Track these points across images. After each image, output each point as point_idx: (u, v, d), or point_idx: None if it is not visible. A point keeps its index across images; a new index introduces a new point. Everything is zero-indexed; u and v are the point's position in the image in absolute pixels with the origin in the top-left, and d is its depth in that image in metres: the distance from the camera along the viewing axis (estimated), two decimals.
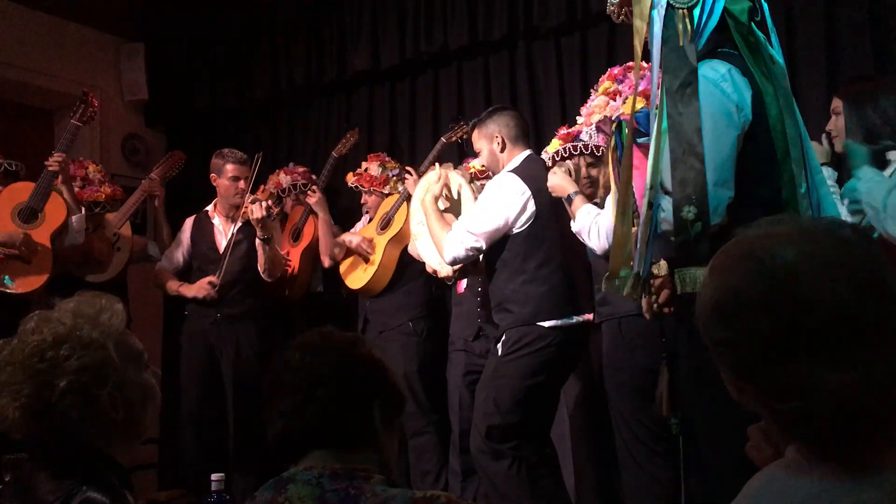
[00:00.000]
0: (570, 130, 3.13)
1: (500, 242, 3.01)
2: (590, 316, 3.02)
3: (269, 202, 3.90)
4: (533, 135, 3.76)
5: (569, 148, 3.08)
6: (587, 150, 3.05)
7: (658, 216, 1.78)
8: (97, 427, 1.41)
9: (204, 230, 4.14)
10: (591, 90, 2.95)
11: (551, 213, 2.98)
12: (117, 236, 4.07)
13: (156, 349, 4.93)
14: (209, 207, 4.21)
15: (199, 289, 3.98)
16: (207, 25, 5.32)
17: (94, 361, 1.41)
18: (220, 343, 3.96)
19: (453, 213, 3.35)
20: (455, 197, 3.41)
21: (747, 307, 0.95)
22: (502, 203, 2.97)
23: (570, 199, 2.84)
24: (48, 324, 1.43)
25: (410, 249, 3.74)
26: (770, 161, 1.80)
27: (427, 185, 3.40)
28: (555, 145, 3.15)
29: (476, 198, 3.33)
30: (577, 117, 3.02)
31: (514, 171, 3.05)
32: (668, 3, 1.84)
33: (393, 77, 4.76)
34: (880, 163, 2.23)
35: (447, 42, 4.38)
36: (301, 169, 4.44)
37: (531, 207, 2.96)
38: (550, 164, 3.09)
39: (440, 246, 3.09)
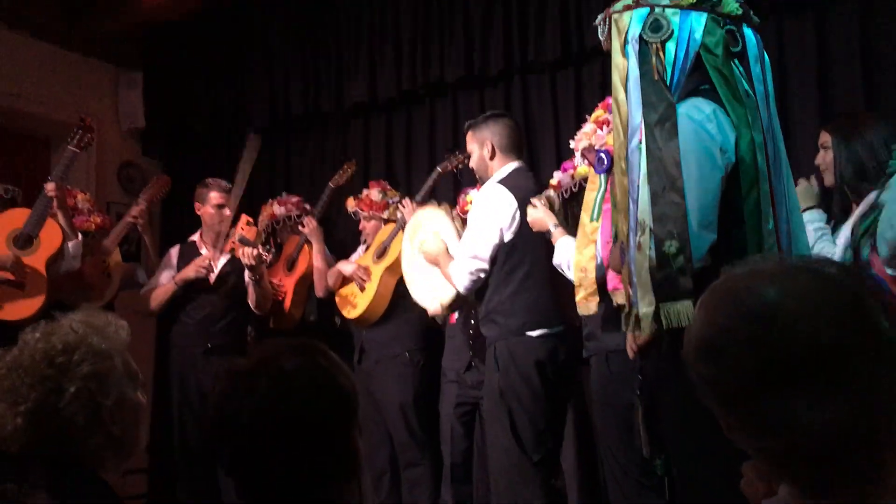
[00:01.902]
0: (559, 180, 3.17)
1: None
2: (578, 323, 3.03)
3: (260, 248, 3.88)
4: (526, 166, 3.79)
5: (570, 188, 3.10)
6: None
7: (644, 252, 1.78)
8: (97, 437, 1.42)
9: (191, 260, 4.13)
10: (586, 116, 2.99)
11: None
12: (108, 263, 4.07)
13: (146, 376, 4.88)
14: (195, 237, 4.21)
15: (195, 267, 3.99)
16: (205, 55, 5.36)
17: (102, 370, 1.44)
18: (209, 375, 3.91)
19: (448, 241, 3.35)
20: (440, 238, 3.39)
21: (732, 344, 0.96)
22: (493, 216, 3.00)
23: (549, 233, 2.85)
24: (55, 332, 1.45)
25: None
26: (738, 195, 1.80)
27: (418, 225, 3.42)
28: (584, 171, 3.12)
29: (457, 232, 3.33)
30: (570, 141, 3.06)
31: (502, 182, 3.06)
32: (640, 37, 1.84)
33: (389, 108, 4.79)
34: None
35: (443, 75, 4.43)
36: (294, 199, 4.45)
37: (518, 219, 2.98)
38: (575, 189, 3.08)
39: (451, 281, 3.11)
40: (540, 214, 2.87)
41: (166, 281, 4.11)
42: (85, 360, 1.42)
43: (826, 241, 2.54)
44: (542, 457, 2.90)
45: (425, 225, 3.46)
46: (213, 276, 3.98)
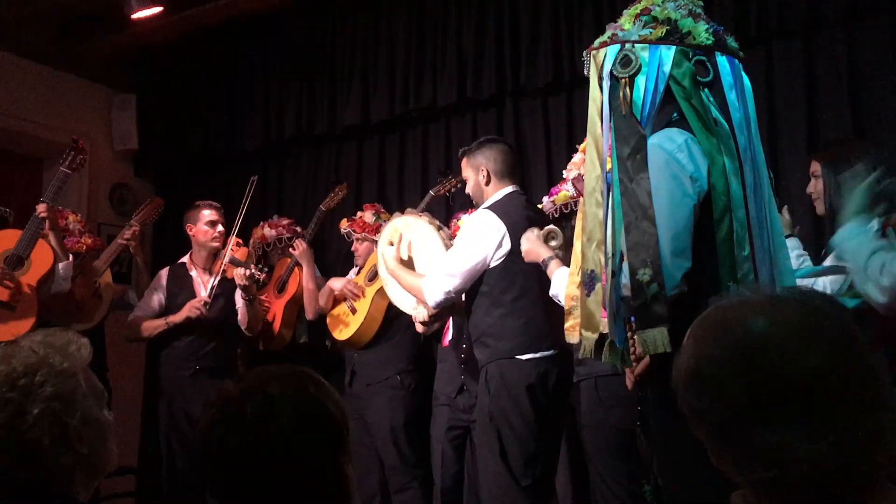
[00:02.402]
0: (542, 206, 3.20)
1: (478, 276, 3.03)
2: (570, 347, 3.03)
3: (253, 268, 3.88)
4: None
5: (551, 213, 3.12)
6: None
7: (619, 282, 1.80)
8: (65, 457, 1.41)
9: (182, 282, 4.12)
10: (575, 148, 3.01)
11: None
12: (98, 284, 4.06)
13: (136, 397, 4.86)
14: (185, 260, 4.20)
15: (191, 309, 3.93)
16: (199, 77, 5.39)
17: (65, 390, 1.42)
18: (197, 398, 3.86)
19: (423, 258, 3.35)
20: (408, 253, 3.39)
21: (721, 376, 0.97)
22: (478, 242, 3.00)
23: (545, 264, 2.84)
24: (16, 355, 1.45)
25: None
26: (710, 223, 1.83)
27: (394, 231, 3.43)
28: (564, 196, 3.18)
29: (444, 243, 3.34)
30: (564, 171, 3.08)
31: (491, 207, 3.07)
32: (611, 72, 1.89)
33: (382, 131, 4.82)
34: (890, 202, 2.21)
35: (436, 98, 4.46)
36: (285, 221, 4.46)
37: (507, 244, 2.97)
38: (556, 215, 3.12)
39: (420, 295, 3.10)
40: (532, 246, 2.87)
41: (156, 304, 4.11)
42: (47, 381, 1.41)
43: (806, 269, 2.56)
44: (531, 482, 2.89)
45: (404, 233, 3.44)
46: (205, 311, 3.94)
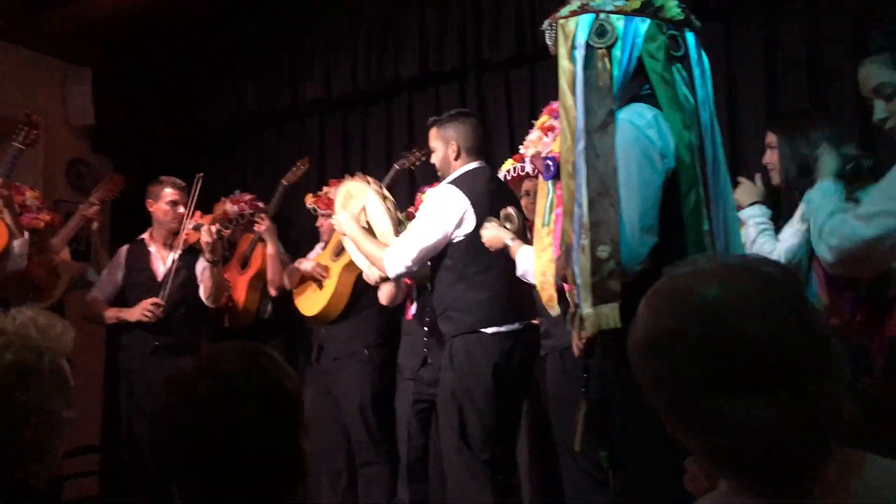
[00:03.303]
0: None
1: (442, 250, 3.04)
2: (536, 321, 3.05)
3: (218, 225, 3.85)
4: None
5: (517, 168, 3.14)
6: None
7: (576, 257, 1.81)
8: (5, 435, 1.37)
9: (140, 259, 4.06)
10: (532, 123, 3.01)
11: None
12: (56, 262, 3.98)
13: (98, 376, 4.80)
14: (144, 236, 4.14)
15: (142, 311, 3.85)
16: (157, 50, 5.27)
17: (24, 363, 1.39)
18: (159, 377, 3.83)
19: (371, 219, 3.35)
20: (364, 215, 3.38)
21: (675, 345, 0.98)
22: (440, 216, 3.00)
23: (507, 248, 2.85)
24: None
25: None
26: (677, 198, 1.83)
27: (347, 195, 3.41)
28: (508, 164, 3.19)
29: (391, 213, 3.34)
30: (520, 148, 3.08)
31: (454, 182, 3.07)
32: (587, 42, 1.85)
33: (345, 106, 4.78)
34: (857, 176, 2.26)
35: (398, 72, 4.43)
36: (248, 197, 4.41)
37: (470, 217, 2.99)
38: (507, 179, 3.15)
39: (380, 265, 3.10)
40: (493, 234, 2.88)
41: (116, 283, 4.05)
42: (10, 348, 1.38)
43: (767, 237, 2.59)
44: (490, 456, 2.92)
45: (356, 197, 3.44)
46: (159, 313, 3.86)
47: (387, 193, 3.41)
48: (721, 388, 0.95)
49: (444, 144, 3.17)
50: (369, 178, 3.44)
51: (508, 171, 3.23)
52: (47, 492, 1.42)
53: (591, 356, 1.87)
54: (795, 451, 0.95)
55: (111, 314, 3.98)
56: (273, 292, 4.14)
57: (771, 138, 2.69)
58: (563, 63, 1.90)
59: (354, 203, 3.41)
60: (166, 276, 3.94)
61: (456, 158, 3.15)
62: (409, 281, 3.70)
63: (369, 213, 3.36)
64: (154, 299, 3.87)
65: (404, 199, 4.23)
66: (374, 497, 3.77)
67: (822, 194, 2.03)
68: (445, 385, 3.01)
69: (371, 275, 3.47)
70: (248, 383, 1.21)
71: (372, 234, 3.27)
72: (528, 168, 3.06)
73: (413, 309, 3.75)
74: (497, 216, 2.95)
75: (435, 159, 3.24)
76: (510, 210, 2.95)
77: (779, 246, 2.52)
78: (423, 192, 3.79)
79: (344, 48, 4.60)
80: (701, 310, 0.97)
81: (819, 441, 0.96)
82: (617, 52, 1.84)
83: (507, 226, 2.89)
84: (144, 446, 3.86)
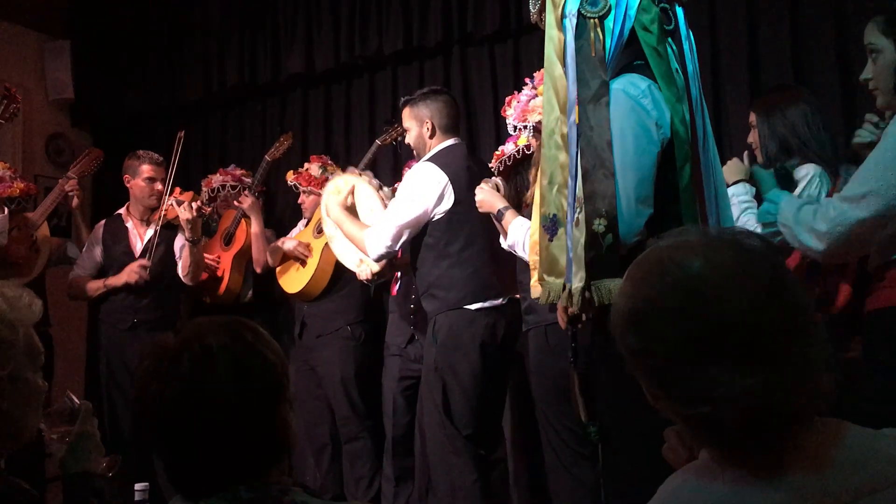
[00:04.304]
0: (503, 149, 3.19)
1: (423, 229, 3.03)
2: (517, 296, 3.05)
3: (200, 202, 3.82)
4: (466, 139, 3.79)
5: (513, 155, 3.11)
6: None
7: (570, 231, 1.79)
8: None
9: (118, 235, 4.03)
10: (525, 82, 2.98)
11: (471, 197, 2.96)
12: (35, 237, 3.94)
13: (80, 353, 4.78)
14: (121, 211, 4.10)
15: (130, 273, 3.84)
16: (137, 23, 5.21)
17: (2, 338, 1.39)
18: (136, 352, 3.79)
19: (358, 212, 3.33)
20: (351, 200, 3.36)
21: (658, 315, 0.99)
22: (420, 193, 3.00)
23: (500, 215, 2.80)
24: None
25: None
26: (673, 170, 1.82)
27: (336, 191, 3.39)
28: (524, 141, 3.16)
29: (374, 190, 3.33)
30: (507, 109, 3.05)
31: (432, 159, 3.07)
32: (579, 11, 1.82)
33: (328, 80, 4.73)
34: (788, 183, 2.30)
35: (382, 47, 4.39)
36: (239, 172, 4.37)
37: (450, 194, 2.98)
38: (499, 170, 3.12)
39: (362, 246, 3.09)
40: (486, 196, 2.86)
41: (96, 260, 4.03)
42: None
43: (751, 215, 2.60)
44: (473, 431, 2.94)
45: (344, 191, 3.42)
46: (145, 274, 3.84)
47: (380, 183, 3.42)
48: (702, 358, 0.96)
49: (418, 124, 3.16)
50: (361, 172, 3.44)
51: (508, 158, 3.18)
52: (28, 464, 1.42)
53: (576, 328, 1.86)
54: (775, 420, 0.96)
55: (97, 285, 3.95)
56: (258, 270, 4.12)
57: (753, 117, 2.69)
58: (552, 32, 1.87)
59: (345, 194, 3.39)
60: (147, 247, 3.91)
61: (431, 137, 3.15)
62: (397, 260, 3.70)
63: (358, 197, 3.34)
64: (142, 261, 3.85)
65: (388, 175, 4.21)
66: (359, 472, 3.79)
67: (774, 198, 2.05)
68: (429, 361, 3.02)
69: (361, 273, 3.45)
70: (231, 357, 1.20)
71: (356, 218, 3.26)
72: (511, 130, 3.04)
73: (398, 286, 3.74)
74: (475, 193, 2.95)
75: (410, 139, 3.23)
76: (498, 180, 2.94)
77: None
78: (409, 167, 3.77)
79: (326, 20, 4.55)
80: (683, 281, 0.98)
81: (799, 410, 0.97)
82: (609, 22, 1.80)
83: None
84: (122, 421, 3.85)
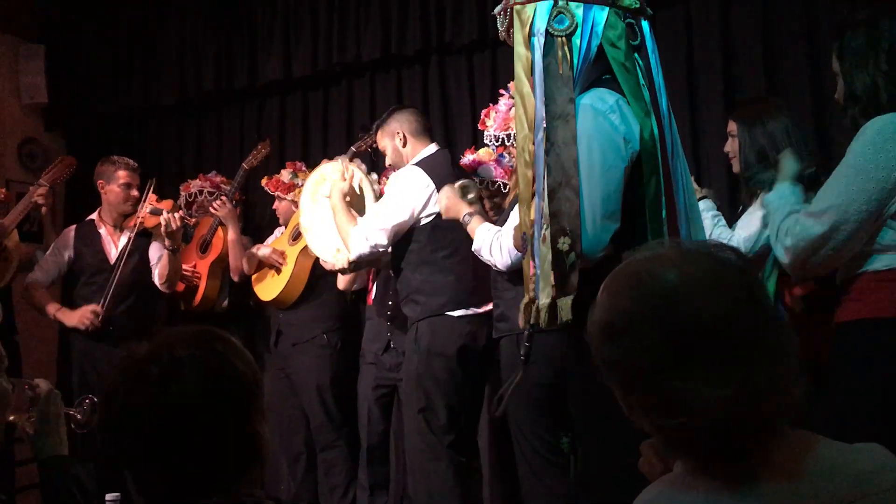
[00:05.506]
0: (474, 157, 3.21)
1: (406, 234, 3.04)
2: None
3: (182, 213, 3.79)
4: (443, 146, 3.80)
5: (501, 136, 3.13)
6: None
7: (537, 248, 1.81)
8: None
9: (90, 240, 3.97)
10: (501, 93, 3.00)
11: None
12: (5, 245, 3.87)
13: (49, 362, 4.70)
14: (93, 216, 4.04)
15: (81, 318, 3.75)
16: (112, 27, 5.16)
17: None
18: (108, 361, 3.72)
19: (356, 208, 3.33)
20: (358, 192, 3.37)
21: (633, 327, 1.00)
22: (406, 197, 3.00)
23: (465, 221, 2.83)
24: None
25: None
26: (640, 184, 1.84)
27: (321, 179, 3.38)
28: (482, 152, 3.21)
29: (374, 192, 3.34)
30: (485, 119, 3.07)
31: (419, 164, 3.08)
32: (546, 30, 1.83)
33: (305, 87, 4.72)
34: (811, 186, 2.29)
35: (360, 54, 4.39)
36: (218, 178, 4.34)
37: (435, 200, 2.98)
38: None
39: (346, 240, 3.09)
40: (451, 203, 2.86)
41: (60, 266, 3.96)
42: None
43: (722, 227, 2.63)
44: (453, 438, 2.94)
45: (330, 180, 3.41)
46: (97, 322, 3.76)
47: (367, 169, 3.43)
48: (677, 368, 0.97)
49: (390, 138, 3.20)
50: (349, 157, 3.44)
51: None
52: None
53: (533, 330, 1.87)
54: (747, 430, 0.97)
55: (52, 310, 3.88)
56: (235, 278, 4.09)
57: (731, 126, 2.72)
58: (520, 50, 1.88)
59: (326, 187, 3.38)
60: (117, 261, 3.85)
61: (405, 145, 3.16)
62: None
63: (364, 194, 3.35)
64: (94, 307, 3.77)
65: None
66: (334, 480, 3.77)
67: (779, 196, 2.06)
68: (411, 368, 3.01)
69: (337, 262, 3.42)
70: (200, 368, 1.19)
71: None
72: (489, 140, 3.09)
73: (373, 294, 3.73)
74: None
75: (388, 159, 3.26)
76: (466, 181, 2.95)
77: (738, 233, 2.55)
78: (386, 176, 3.77)
79: (304, 27, 4.54)
80: (658, 293, 0.99)
81: (769, 420, 0.98)
82: (577, 39, 1.82)
83: (469, 196, 2.88)
84: (95, 430, 3.79)
